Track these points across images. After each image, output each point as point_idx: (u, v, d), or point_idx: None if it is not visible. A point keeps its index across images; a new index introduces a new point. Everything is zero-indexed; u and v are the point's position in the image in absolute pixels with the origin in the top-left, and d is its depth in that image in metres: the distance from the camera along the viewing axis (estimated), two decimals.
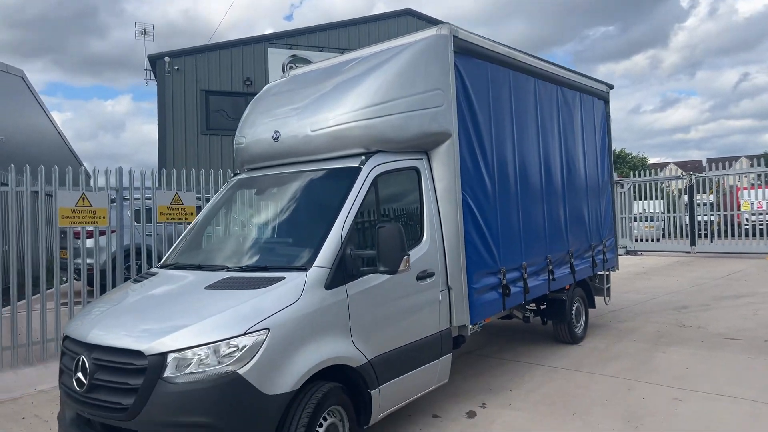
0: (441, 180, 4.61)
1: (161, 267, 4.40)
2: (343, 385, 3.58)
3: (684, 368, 5.67)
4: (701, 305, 8.89)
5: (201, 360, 3.02)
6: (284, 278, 3.47)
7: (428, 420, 4.59)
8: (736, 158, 36.15)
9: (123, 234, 7.45)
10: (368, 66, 4.55)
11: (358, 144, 4.22)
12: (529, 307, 6.54)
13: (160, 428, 2.97)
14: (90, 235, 7.63)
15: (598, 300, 7.66)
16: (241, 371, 3.03)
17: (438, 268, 4.46)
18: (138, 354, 3.06)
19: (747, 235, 16.11)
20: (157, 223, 7.72)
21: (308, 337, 3.36)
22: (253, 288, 3.42)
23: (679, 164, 62.09)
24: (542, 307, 6.75)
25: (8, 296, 6.51)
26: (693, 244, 16.71)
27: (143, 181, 7.54)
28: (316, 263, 3.56)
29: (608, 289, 7.85)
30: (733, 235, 16.20)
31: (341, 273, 3.64)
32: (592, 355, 6.33)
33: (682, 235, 17.30)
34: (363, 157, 4.14)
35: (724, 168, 16.64)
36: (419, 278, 4.25)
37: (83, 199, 7.11)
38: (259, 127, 4.77)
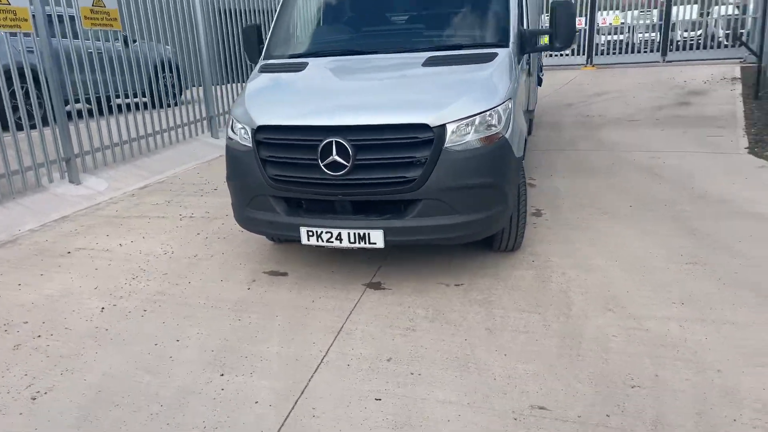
0: None
1: (304, 56, 4.03)
2: None
3: (631, 141, 7.20)
4: (580, 102, 10.73)
5: (474, 128, 3.13)
6: (497, 53, 3.55)
7: None
8: None
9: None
10: None
11: None
12: None
13: (443, 194, 3.08)
14: None
15: None
16: (506, 135, 3.24)
17: None
18: (423, 127, 3.02)
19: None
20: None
21: (518, 108, 3.62)
22: (476, 63, 3.46)
23: None
24: None
25: None
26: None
27: None
28: (511, 39, 3.68)
29: None
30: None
31: (521, 50, 3.85)
32: (548, 141, 7.57)
33: None
34: None
35: None
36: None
37: None
38: None
